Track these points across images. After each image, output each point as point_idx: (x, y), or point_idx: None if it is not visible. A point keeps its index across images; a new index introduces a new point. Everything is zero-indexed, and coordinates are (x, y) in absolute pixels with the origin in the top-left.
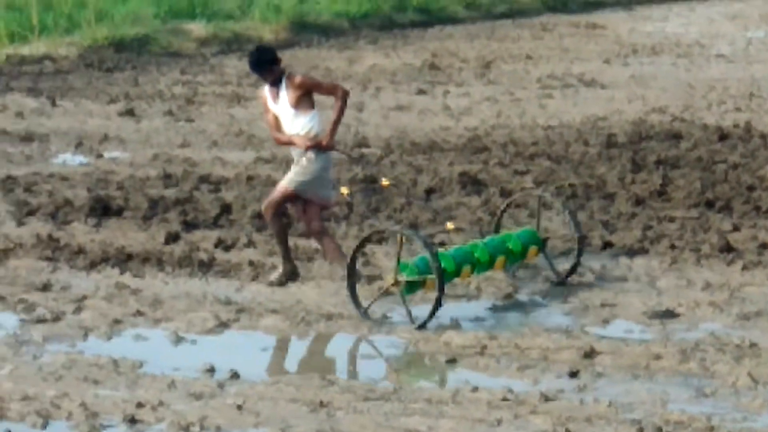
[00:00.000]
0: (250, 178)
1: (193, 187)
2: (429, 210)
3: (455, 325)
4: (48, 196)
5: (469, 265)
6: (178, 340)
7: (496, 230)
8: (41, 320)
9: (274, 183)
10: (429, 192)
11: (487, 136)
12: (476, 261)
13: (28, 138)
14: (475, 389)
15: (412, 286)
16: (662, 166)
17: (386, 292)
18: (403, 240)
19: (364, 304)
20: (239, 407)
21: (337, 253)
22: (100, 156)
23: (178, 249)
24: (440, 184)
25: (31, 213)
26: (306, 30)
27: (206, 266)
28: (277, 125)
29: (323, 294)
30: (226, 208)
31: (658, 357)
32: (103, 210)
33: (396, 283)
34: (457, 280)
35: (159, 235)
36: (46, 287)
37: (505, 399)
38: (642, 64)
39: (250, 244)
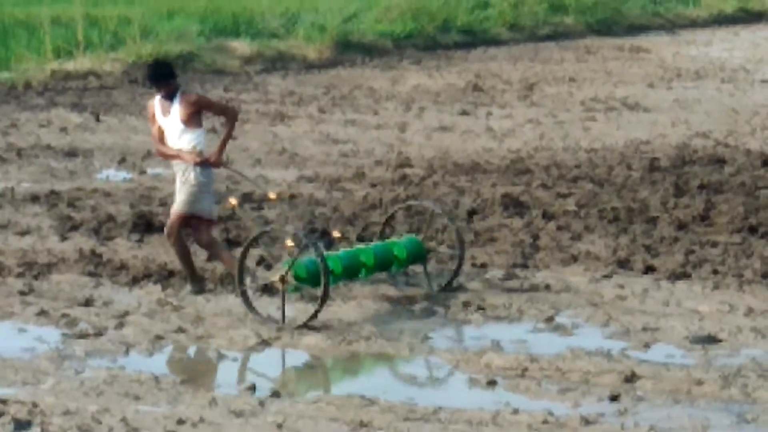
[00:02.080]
0: (292, 197)
1: (237, 205)
2: (471, 231)
3: (496, 346)
4: (91, 212)
5: (355, 269)
6: (220, 357)
7: (381, 237)
8: (83, 335)
9: (316, 201)
10: (471, 213)
11: (530, 158)
12: (363, 265)
13: (72, 153)
14: (516, 411)
15: (297, 287)
16: (705, 191)
17: (271, 287)
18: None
19: (255, 304)
20: (279, 426)
21: (232, 262)
22: (143, 172)
23: (220, 266)
24: (482, 206)
25: (74, 228)
26: (350, 49)
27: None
28: (161, 137)
29: (364, 314)
30: (267, 224)
31: (699, 382)
32: (145, 226)
33: (283, 280)
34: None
35: (201, 252)
36: (88, 302)
37: (545, 422)
38: (686, 89)
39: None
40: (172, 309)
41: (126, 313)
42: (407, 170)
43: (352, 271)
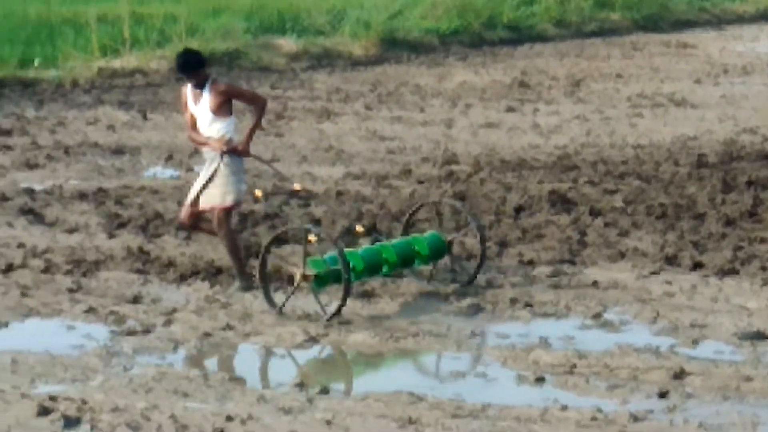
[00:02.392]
0: (339, 194)
1: (283, 202)
2: (518, 228)
3: (544, 343)
4: (139, 209)
5: (377, 265)
6: (268, 354)
7: (404, 234)
8: (131, 332)
9: (363, 198)
10: (518, 210)
11: (577, 154)
12: (384, 261)
13: (119, 151)
14: (564, 408)
15: (321, 281)
16: (753, 187)
17: (297, 287)
18: (312, 238)
19: (279, 302)
20: (328, 422)
21: (236, 254)
22: (190, 169)
23: (267, 263)
24: (529, 202)
25: (121, 225)
26: (396, 46)
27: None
28: (193, 125)
29: (412, 310)
30: (315, 223)
31: (748, 379)
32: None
33: (305, 277)
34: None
35: (248, 249)
36: (136, 300)
37: (594, 419)
38: (733, 84)
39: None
40: (220, 306)
41: (174, 311)
42: (454, 167)
43: (373, 268)
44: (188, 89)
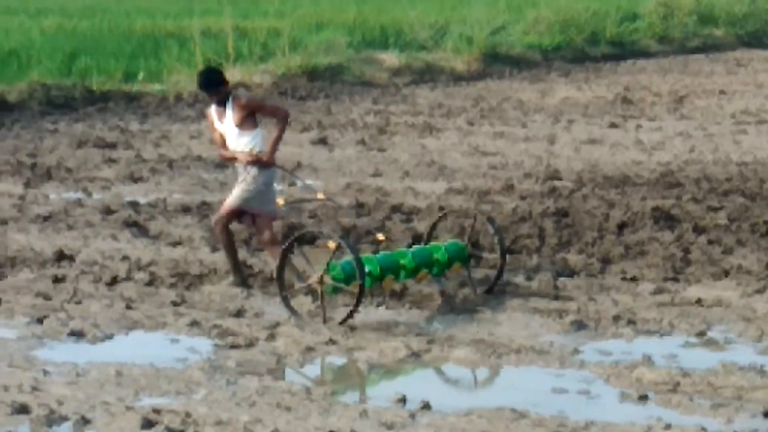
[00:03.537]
0: (441, 209)
1: (385, 217)
2: (621, 244)
3: (648, 361)
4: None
5: (393, 271)
6: (370, 369)
7: (427, 242)
8: (235, 346)
9: (465, 214)
10: (621, 226)
11: (680, 171)
12: (401, 267)
13: (222, 164)
14: (668, 426)
15: (335, 288)
16: None
17: (310, 289)
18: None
19: (296, 306)
20: None
21: (227, 249)
22: (293, 184)
23: (370, 278)
24: (633, 219)
25: None
26: (498, 61)
27: (398, 296)
28: (223, 143)
29: (514, 327)
30: (417, 239)
31: None
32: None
33: (321, 282)
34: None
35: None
36: (239, 313)
37: None
38: None
39: (442, 274)
40: (322, 321)
41: (277, 324)
42: (556, 183)
43: (390, 273)
44: (212, 109)
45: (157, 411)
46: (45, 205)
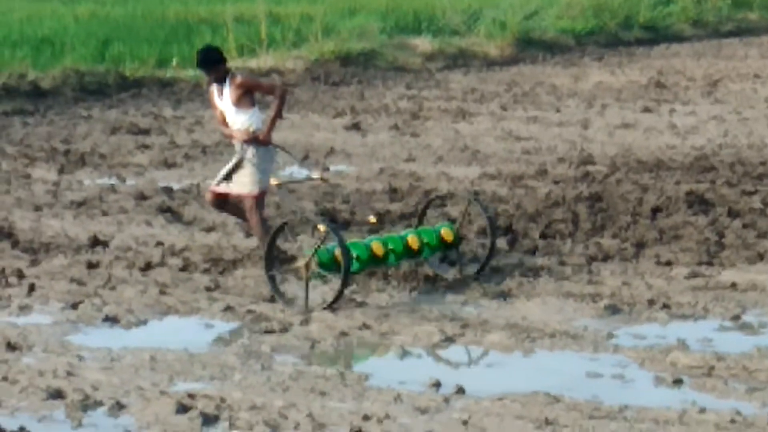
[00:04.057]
0: (475, 194)
1: (419, 202)
2: (655, 229)
3: (682, 345)
4: (276, 209)
5: (384, 255)
6: (404, 353)
7: (418, 226)
8: (269, 331)
9: (499, 199)
10: (655, 211)
11: (714, 155)
12: (390, 251)
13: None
14: (703, 410)
15: (321, 274)
16: None
17: (296, 272)
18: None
19: (282, 289)
20: (465, 423)
21: (265, 239)
22: (326, 169)
23: (404, 263)
24: (666, 203)
25: None
26: (531, 46)
27: (431, 281)
28: (224, 120)
29: (548, 311)
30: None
31: None
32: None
33: (307, 266)
34: None
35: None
36: (273, 298)
37: (733, 421)
38: None
39: (476, 259)
40: (356, 305)
41: (311, 309)
42: (590, 167)
43: (378, 258)
44: (214, 87)
45: (191, 396)
46: (79, 192)
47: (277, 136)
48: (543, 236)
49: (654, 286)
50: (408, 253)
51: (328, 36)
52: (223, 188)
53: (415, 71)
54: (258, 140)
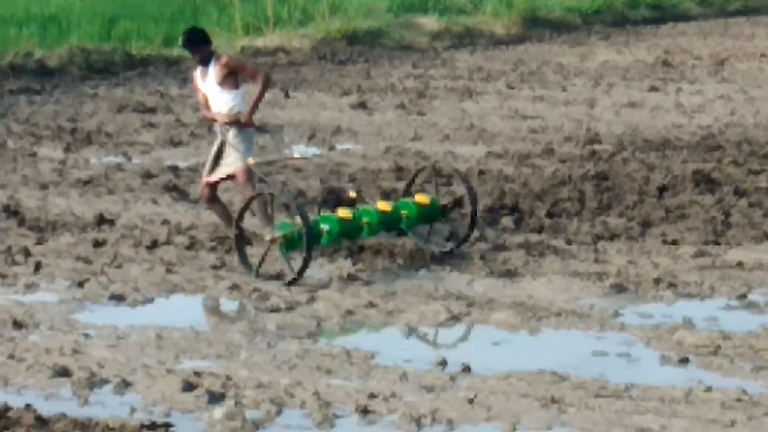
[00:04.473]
0: (481, 173)
1: (425, 181)
2: (661, 207)
3: (688, 324)
4: (281, 187)
5: (354, 228)
6: (410, 332)
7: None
8: (275, 310)
9: (505, 178)
10: (661, 190)
11: (721, 134)
12: (364, 224)
13: (261, 129)
14: (709, 389)
15: (290, 244)
16: None
17: (268, 250)
18: (273, 200)
19: (253, 263)
20: (470, 401)
21: (227, 217)
22: (332, 148)
23: (409, 242)
24: (673, 182)
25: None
26: (537, 25)
27: (438, 259)
28: (205, 103)
29: (554, 290)
30: (457, 202)
31: None
32: (335, 201)
33: (273, 240)
34: None
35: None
36: (279, 277)
37: (739, 400)
38: None
39: (481, 238)
40: (362, 284)
41: (317, 288)
42: (596, 146)
43: (351, 231)
44: (198, 71)
45: (197, 374)
46: (85, 170)
47: (284, 115)
48: (549, 215)
49: (660, 265)
50: (384, 224)
51: (335, 14)
52: (216, 176)
53: (422, 50)
54: (240, 122)
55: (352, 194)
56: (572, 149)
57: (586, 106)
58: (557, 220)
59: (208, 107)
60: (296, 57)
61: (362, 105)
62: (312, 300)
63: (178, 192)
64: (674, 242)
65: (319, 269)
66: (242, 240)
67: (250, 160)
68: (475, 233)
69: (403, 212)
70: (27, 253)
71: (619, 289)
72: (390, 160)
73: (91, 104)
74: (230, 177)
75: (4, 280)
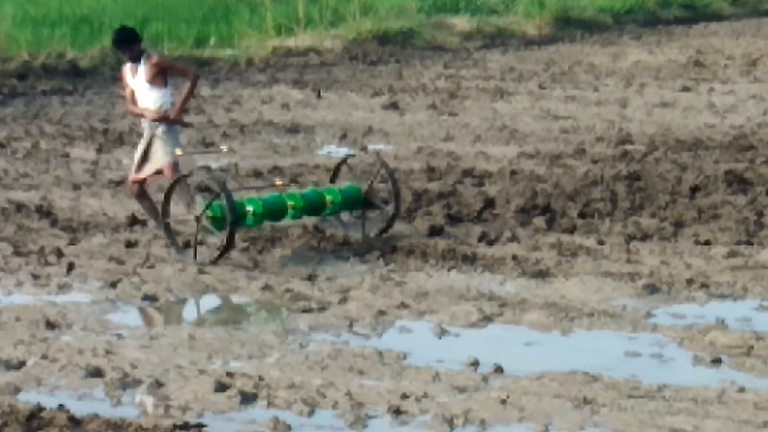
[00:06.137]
0: (513, 173)
1: (457, 181)
2: (694, 208)
3: (721, 324)
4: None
5: (279, 211)
6: (443, 332)
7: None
8: (307, 310)
9: (537, 178)
10: (694, 190)
11: (754, 134)
12: (287, 208)
13: (293, 129)
14: (742, 390)
15: (215, 223)
16: None
17: (198, 231)
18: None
19: (179, 242)
20: (503, 401)
21: (154, 211)
22: (364, 148)
23: (441, 242)
24: (705, 182)
25: None
26: (569, 25)
27: (470, 260)
28: (133, 99)
29: (586, 290)
30: (489, 203)
31: None
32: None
33: (198, 220)
34: None
35: (423, 227)
36: (311, 277)
37: None
38: None
39: (514, 238)
40: (394, 284)
41: (349, 288)
42: (628, 146)
43: (275, 213)
44: (127, 67)
45: (230, 374)
46: (117, 171)
47: (316, 115)
48: (581, 215)
49: (693, 266)
50: (309, 209)
51: (366, 15)
52: (144, 172)
53: (453, 50)
54: (168, 119)
55: (278, 182)
56: (604, 149)
57: (618, 106)
58: (589, 221)
59: (135, 103)
60: (327, 57)
61: (394, 105)
62: (344, 300)
63: (210, 192)
64: (707, 242)
65: (351, 269)
66: (171, 229)
67: (178, 151)
68: (508, 234)
69: (328, 198)
70: (60, 253)
71: (652, 289)
72: (422, 160)
73: (123, 105)
74: (158, 172)
75: (37, 280)
